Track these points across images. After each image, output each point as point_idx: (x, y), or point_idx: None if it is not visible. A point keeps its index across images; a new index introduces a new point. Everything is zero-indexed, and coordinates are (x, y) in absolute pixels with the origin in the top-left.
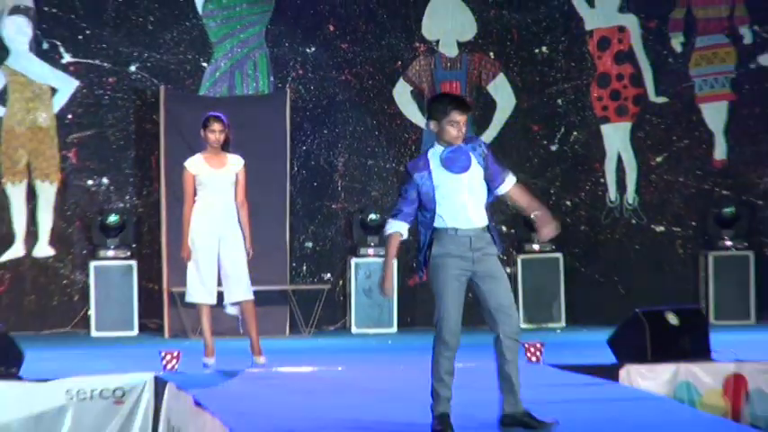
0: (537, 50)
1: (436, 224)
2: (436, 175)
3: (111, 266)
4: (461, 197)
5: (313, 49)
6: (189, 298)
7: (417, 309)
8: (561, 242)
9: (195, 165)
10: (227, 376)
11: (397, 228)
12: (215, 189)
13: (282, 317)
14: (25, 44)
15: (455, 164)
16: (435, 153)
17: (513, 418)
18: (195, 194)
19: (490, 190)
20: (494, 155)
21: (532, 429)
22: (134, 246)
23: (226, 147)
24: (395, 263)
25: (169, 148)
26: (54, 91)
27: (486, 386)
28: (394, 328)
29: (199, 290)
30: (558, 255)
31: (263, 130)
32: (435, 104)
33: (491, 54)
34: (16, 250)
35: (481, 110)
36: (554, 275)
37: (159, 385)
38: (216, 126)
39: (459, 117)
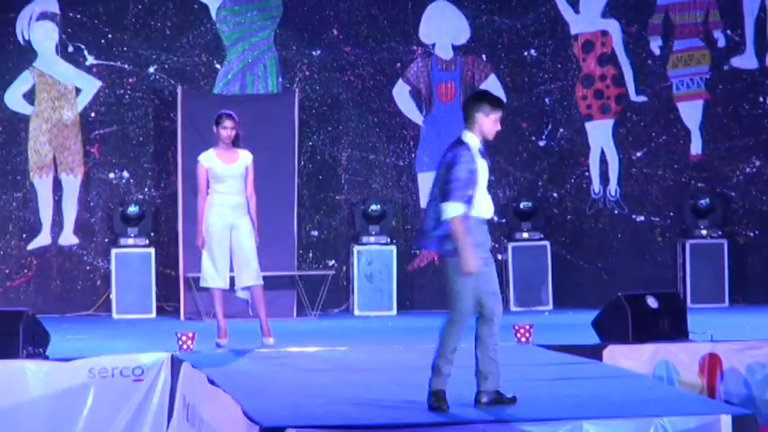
0: (526, 53)
1: (467, 211)
2: (478, 162)
3: (131, 254)
4: (486, 188)
5: (318, 51)
6: (203, 283)
7: (415, 293)
8: (549, 231)
9: (208, 159)
10: (238, 355)
11: (462, 210)
12: (227, 182)
13: (290, 300)
14: (52, 47)
15: (486, 157)
16: (473, 143)
17: (489, 395)
18: (208, 187)
19: None
20: None
21: (506, 405)
22: (152, 234)
23: (236, 142)
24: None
25: (185, 143)
26: (78, 91)
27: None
28: (394, 311)
29: (212, 275)
30: (546, 243)
31: (273, 127)
32: (487, 98)
33: (483, 56)
34: (43, 238)
35: None
36: (542, 262)
37: (175, 364)
38: (228, 123)
39: (500, 115)
